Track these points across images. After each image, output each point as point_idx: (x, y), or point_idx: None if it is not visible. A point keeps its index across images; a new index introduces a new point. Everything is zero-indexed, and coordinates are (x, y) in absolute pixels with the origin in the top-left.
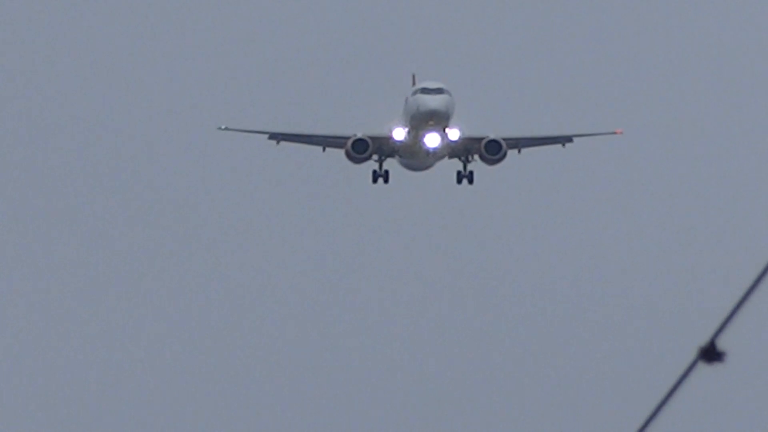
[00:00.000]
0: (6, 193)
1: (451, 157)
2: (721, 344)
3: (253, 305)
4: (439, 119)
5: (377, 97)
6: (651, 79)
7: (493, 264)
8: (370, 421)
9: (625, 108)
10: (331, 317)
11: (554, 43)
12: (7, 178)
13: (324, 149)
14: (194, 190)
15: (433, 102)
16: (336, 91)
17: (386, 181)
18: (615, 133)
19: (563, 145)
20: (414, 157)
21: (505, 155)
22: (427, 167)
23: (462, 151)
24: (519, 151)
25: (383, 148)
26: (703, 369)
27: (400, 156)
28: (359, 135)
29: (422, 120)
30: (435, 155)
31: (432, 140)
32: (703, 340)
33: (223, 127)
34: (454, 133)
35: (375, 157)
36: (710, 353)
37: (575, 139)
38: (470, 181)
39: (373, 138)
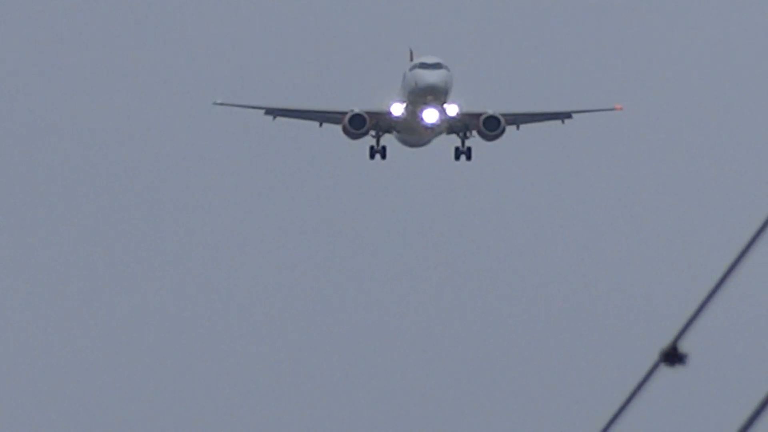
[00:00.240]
0: None
1: (449, 133)
2: (684, 347)
3: (248, 282)
4: (437, 94)
5: (374, 72)
6: (651, 55)
7: (491, 241)
8: (363, 403)
9: (625, 84)
10: (327, 294)
11: (554, 18)
12: None
13: (321, 125)
14: (190, 166)
15: (432, 77)
16: (333, 66)
17: (383, 157)
18: (615, 109)
19: (562, 121)
20: (412, 132)
21: (503, 131)
22: (424, 143)
23: (460, 126)
24: (518, 128)
25: (381, 123)
26: (665, 371)
27: (398, 132)
28: (356, 110)
29: (420, 95)
30: (433, 131)
31: (430, 116)
32: (664, 342)
33: (219, 102)
34: (452, 109)
35: (372, 132)
36: (672, 356)
37: (574, 116)
38: (468, 158)
39: (370, 113)
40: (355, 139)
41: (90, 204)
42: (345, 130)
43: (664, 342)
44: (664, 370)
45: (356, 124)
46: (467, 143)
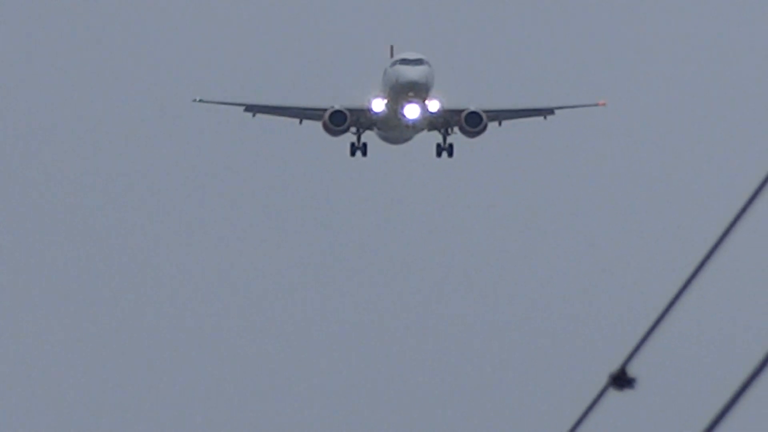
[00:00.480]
0: None
1: (430, 129)
2: (632, 370)
3: (229, 279)
4: (418, 90)
5: (355, 68)
6: (634, 50)
7: (473, 238)
8: (350, 395)
9: (608, 79)
10: (308, 291)
11: (536, 13)
12: None
13: (301, 121)
14: (169, 165)
15: (413, 73)
16: (313, 63)
17: (364, 154)
18: (598, 104)
19: (545, 117)
20: (393, 129)
21: (485, 127)
22: (406, 140)
23: (442, 123)
24: (500, 124)
25: (361, 120)
26: (614, 395)
27: (379, 128)
28: (337, 107)
29: (401, 91)
30: (414, 127)
31: (411, 112)
32: (613, 366)
33: (198, 99)
34: (433, 105)
35: (353, 129)
36: (621, 379)
37: (557, 111)
38: (450, 154)
39: (351, 110)
40: (336, 136)
41: (68, 202)
42: (325, 127)
43: (612, 366)
44: (613, 394)
45: (337, 121)
46: (449, 140)
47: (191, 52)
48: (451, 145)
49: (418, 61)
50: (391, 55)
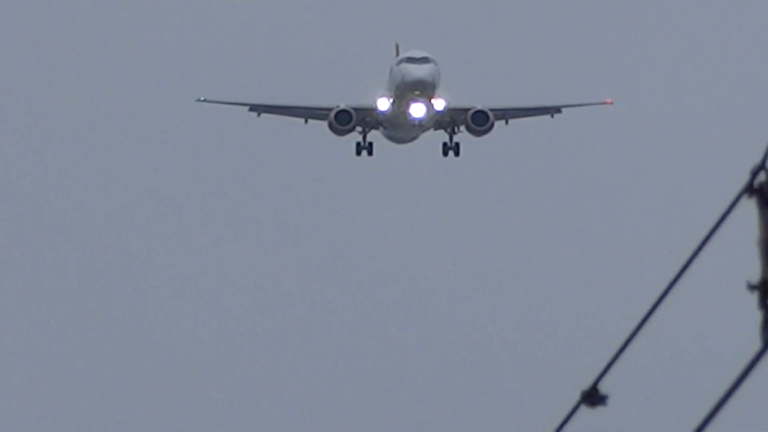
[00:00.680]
0: None
1: (436, 128)
2: (604, 388)
3: (234, 279)
4: (424, 89)
5: (360, 67)
6: (641, 48)
7: (479, 238)
8: (351, 394)
9: (615, 77)
10: (314, 291)
11: (542, 11)
12: None
13: (306, 121)
14: (173, 165)
15: (419, 71)
16: (318, 62)
17: (370, 153)
18: (605, 103)
19: (552, 115)
20: (399, 128)
21: (492, 126)
22: (412, 139)
23: (448, 122)
24: (506, 122)
25: (367, 119)
26: (586, 412)
27: (385, 128)
28: (342, 106)
29: (407, 90)
30: (420, 126)
31: (417, 110)
32: (585, 383)
33: (202, 98)
34: (439, 104)
35: (359, 128)
36: (592, 397)
37: (564, 110)
38: (456, 153)
39: (356, 109)
40: (342, 136)
41: (73, 202)
42: (331, 126)
43: (584, 383)
44: (585, 411)
45: (342, 120)
46: (455, 139)
47: (195, 52)
48: (457, 144)
49: (424, 60)
50: (397, 54)
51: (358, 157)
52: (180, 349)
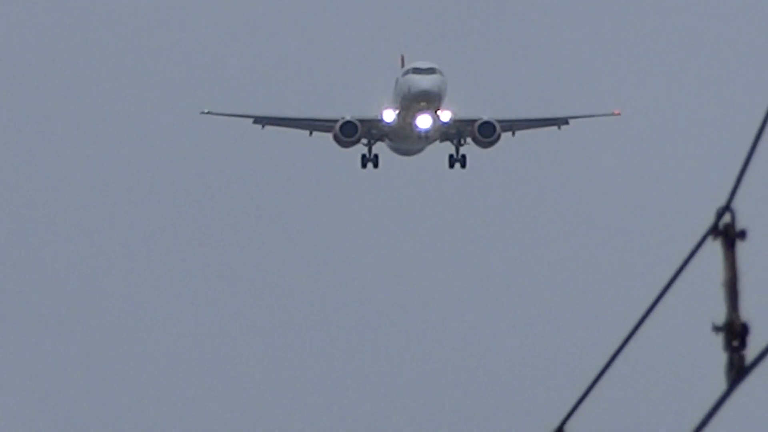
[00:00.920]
0: None
1: (442, 140)
2: (570, 430)
3: (238, 293)
4: (430, 100)
5: (365, 78)
6: (648, 59)
7: (486, 251)
8: (351, 403)
9: (623, 88)
10: (318, 305)
11: (549, 21)
12: None
13: (311, 133)
14: (177, 178)
15: (425, 82)
16: (323, 73)
17: (376, 165)
18: (613, 114)
19: (559, 127)
20: (405, 140)
21: (499, 138)
22: (418, 151)
23: (454, 133)
24: (513, 134)
25: (373, 131)
26: None
27: (390, 139)
28: (348, 117)
29: (413, 101)
30: (426, 138)
31: (423, 122)
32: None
33: (206, 111)
34: (446, 115)
35: (364, 140)
36: None
37: (571, 121)
38: (463, 165)
39: (362, 120)
40: (347, 148)
41: (77, 214)
42: (336, 138)
43: (552, 424)
44: None
45: (347, 132)
46: (462, 151)
47: (199, 64)
48: (464, 156)
49: (430, 70)
50: (402, 66)
51: (364, 170)
52: (181, 359)
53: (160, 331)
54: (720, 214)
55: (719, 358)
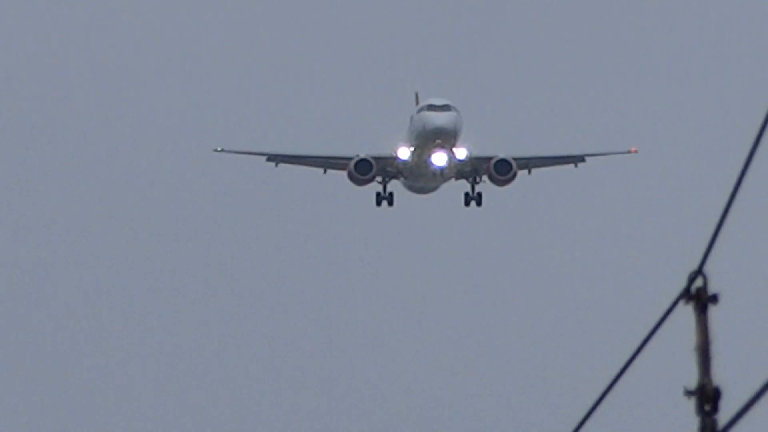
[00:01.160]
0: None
1: (458, 178)
2: None
3: (253, 330)
4: (446, 137)
5: (380, 116)
6: (665, 97)
7: (502, 290)
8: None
9: (640, 126)
10: (334, 342)
11: (565, 60)
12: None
13: (325, 171)
14: (189, 217)
15: (440, 119)
16: (337, 110)
17: (390, 203)
18: (630, 152)
19: (575, 164)
20: (420, 178)
21: (515, 176)
22: (433, 189)
23: (470, 171)
24: (529, 172)
25: (387, 168)
26: None
27: (405, 177)
28: (362, 155)
29: (429, 138)
30: (442, 176)
31: (439, 159)
32: None
33: (219, 149)
34: (461, 152)
35: (379, 178)
36: None
37: (588, 159)
38: (478, 203)
39: (376, 158)
40: (361, 186)
41: (89, 253)
42: (350, 176)
43: None
44: None
45: (362, 170)
46: (477, 188)
47: (213, 102)
48: (479, 194)
49: (445, 107)
50: (416, 103)
51: (378, 208)
52: (180, 376)
53: (167, 367)
54: (692, 279)
55: (691, 422)
